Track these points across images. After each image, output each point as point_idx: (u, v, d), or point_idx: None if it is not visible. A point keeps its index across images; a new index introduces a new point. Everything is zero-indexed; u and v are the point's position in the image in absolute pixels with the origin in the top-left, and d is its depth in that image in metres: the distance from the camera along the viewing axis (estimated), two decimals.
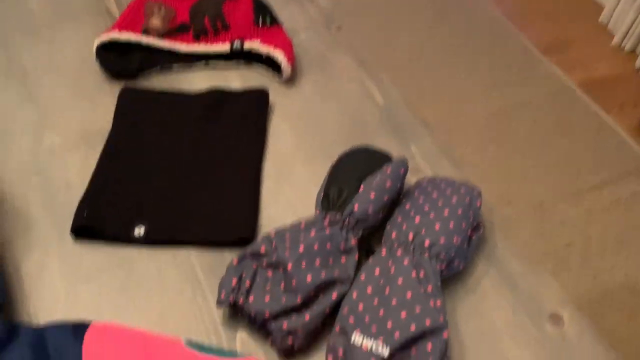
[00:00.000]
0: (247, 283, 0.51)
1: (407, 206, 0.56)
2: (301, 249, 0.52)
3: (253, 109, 0.69)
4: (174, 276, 0.55)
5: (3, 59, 0.74)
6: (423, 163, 0.66)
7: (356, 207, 0.55)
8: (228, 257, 0.57)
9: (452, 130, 0.68)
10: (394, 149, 0.67)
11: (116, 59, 0.72)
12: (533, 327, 0.53)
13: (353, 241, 0.54)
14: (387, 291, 0.50)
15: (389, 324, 0.47)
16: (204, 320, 0.53)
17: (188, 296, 0.54)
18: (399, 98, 0.73)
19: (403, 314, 0.48)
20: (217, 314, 0.53)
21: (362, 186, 0.56)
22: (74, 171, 0.64)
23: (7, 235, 0.58)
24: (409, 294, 0.49)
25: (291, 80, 0.74)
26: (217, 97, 0.70)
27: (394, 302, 0.49)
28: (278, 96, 0.73)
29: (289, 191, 0.63)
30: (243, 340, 0.51)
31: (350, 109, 0.72)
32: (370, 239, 0.57)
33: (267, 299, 0.50)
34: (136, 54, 0.73)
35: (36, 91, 0.71)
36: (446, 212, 0.54)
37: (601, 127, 1.71)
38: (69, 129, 0.68)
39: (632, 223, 1.46)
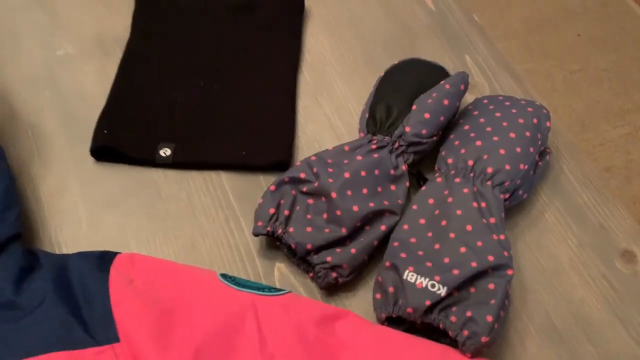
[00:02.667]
0: (286, 212, 0.46)
1: (466, 127, 0.50)
2: (347, 175, 0.46)
3: (286, 13, 0.61)
4: (205, 202, 0.51)
5: None
6: (480, 78, 0.58)
7: (408, 128, 0.48)
8: (263, 182, 0.52)
9: (497, 42, 0.60)
10: (446, 61, 0.59)
11: None
12: (602, 265, 0.48)
13: (403, 167, 0.48)
14: (443, 223, 0.44)
15: (446, 260, 0.42)
16: (239, 250, 0.48)
17: (221, 224, 0.50)
18: (451, 2, 0.64)
19: (462, 249, 0.42)
20: (252, 244, 0.48)
21: (414, 105, 0.49)
22: (91, 83, 0.57)
23: (23, 156, 0.53)
24: (469, 227, 0.44)
25: None
26: (247, 1, 0.61)
27: (451, 235, 0.43)
28: (314, 0, 0.64)
29: (327, 108, 0.57)
30: (281, 272, 0.47)
31: (397, 14, 0.63)
32: (419, 165, 0.51)
33: (308, 229, 0.45)
34: None
35: None
36: (512, 134, 0.47)
37: None
38: (82, 36, 0.61)
39: None
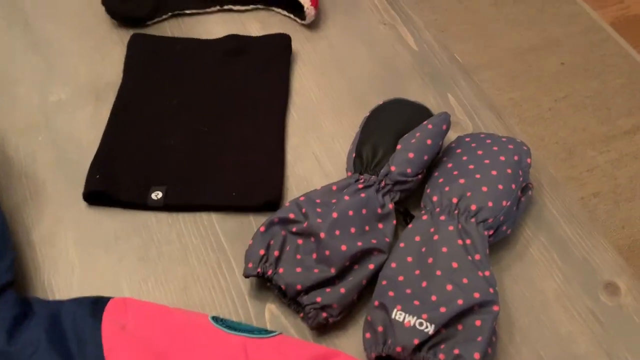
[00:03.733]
0: (276, 253, 0.47)
1: (449, 165, 0.51)
2: (334, 215, 0.47)
3: (274, 56, 0.63)
4: (196, 244, 0.51)
5: (3, 3, 0.68)
6: (462, 115, 0.60)
7: (393, 168, 0.49)
8: (254, 222, 0.53)
9: (482, 71, 0.62)
10: (429, 100, 0.61)
11: (124, 4, 0.66)
12: (587, 298, 0.49)
13: (390, 205, 0.49)
14: (430, 261, 0.45)
15: (433, 298, 0.43)
16: (230, 292, 0.49)
17: (212, 266, 0.50)
18: (433, 42, 0.67)
19: (449, 287, 0.43)
20: (244, 285, 0.49)
21: (398, 144, 0.51)
22: (84, 128, 0.59)
23: (16, 200, 0.54)
24: (454, 264, 0.45)
25: (315, 23, 0.68)
26: (235, 44, 0.63)
27: (438, 272, 0.44)
28: (300, 42, 0.66)
29: (315, 148, 0.58)
30: (272, 313, 0.48)
31: (381, 55, 0.65)
32: (406, 203, 0.52)
33: (298, 270, 0.46)
34: None
35: (40, 40, 0.65)
36: (494, 172, 0.49)
37: (633, 68, 1.62)
38: (76, 82, 0.62)
39: None
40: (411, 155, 0.50)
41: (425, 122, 0.51)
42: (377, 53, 0.65)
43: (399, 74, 0.64)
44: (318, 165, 0.57)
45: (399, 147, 0.50)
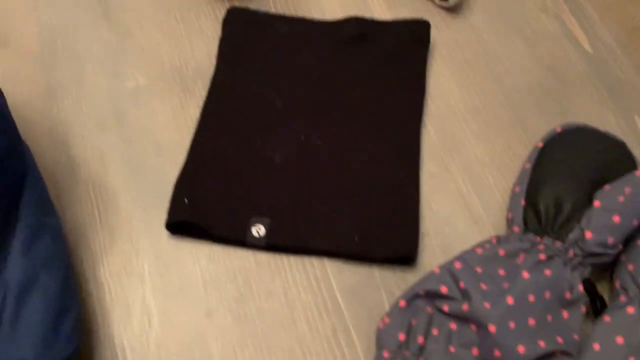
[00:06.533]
0: (420, 339, 0.35)
1: None
2: (510, 300, 0.34)
3: (408, 48, 0.49)
4: (306, 301, 0.40)
5: None
6: None
7: (589, 234, 0.36)
8: (378, 278, 0.40)
9: None
10: (609, 122, 0.46)
11: None
12: None
13: (580, 287, 0.36)
14: None
15: None
16: None
17: (326, 335, 0.38)
18: (613, 43, 0.51)
19: None
20: None
21: (596, 201, 0.37)
22: (166, 126, 0.47)
23: (82, 220, 0.43)
24: None
25: (458, 5, 0.53)
26: (358, 30, 0.49)
27: None
28: (438, 29, 0.52)
29: (458, 177, 0.45)
30: None
31: (544, 54, 0.50)
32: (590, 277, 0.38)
33: None
34: None
35: (115, 12, 0.53)
36: None
37: None
38: (157, 66, 0.50)
39: None
40: (617, 218, 0.36)
41: (637, 173, 0.37)
42: (539, 52, 0.50)
43: (567, 83, 0.49)
44: (463, 202, 0.44)
45: (597, 204, 0.36)
